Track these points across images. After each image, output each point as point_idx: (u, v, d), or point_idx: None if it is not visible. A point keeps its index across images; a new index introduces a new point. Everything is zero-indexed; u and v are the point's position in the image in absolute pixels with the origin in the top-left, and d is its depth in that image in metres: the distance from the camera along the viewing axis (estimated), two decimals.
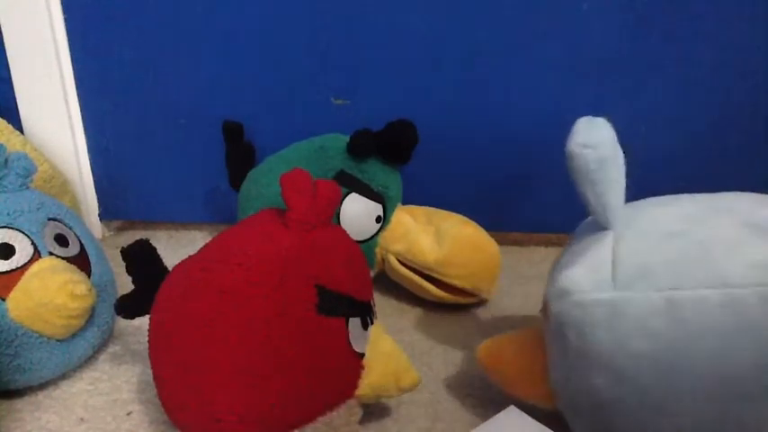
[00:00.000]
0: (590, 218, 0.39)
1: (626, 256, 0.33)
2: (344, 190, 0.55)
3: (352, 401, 0.38)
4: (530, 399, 0.41)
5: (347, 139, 0.57)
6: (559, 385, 0.37)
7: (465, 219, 0.58)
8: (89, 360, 0.49)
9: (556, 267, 0.37)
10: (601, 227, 0.36)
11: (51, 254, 0.45)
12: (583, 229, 0.39)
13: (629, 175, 0.36)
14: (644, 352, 0.32)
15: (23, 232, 0.44)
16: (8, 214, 0.44)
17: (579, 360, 0.34)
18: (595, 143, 0.33)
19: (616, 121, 0.70)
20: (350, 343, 0.37)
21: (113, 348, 0.51)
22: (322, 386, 0.36)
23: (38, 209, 0.46)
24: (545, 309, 0.37)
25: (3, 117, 0.64)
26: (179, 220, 0.77)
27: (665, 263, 0.32)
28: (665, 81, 0.63)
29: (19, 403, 0.45)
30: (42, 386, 0.46)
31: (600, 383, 0.33)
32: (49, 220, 0.47)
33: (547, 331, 0.37)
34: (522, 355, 0.40)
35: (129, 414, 0.44)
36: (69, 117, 0.70)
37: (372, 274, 0.59)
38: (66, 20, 0.67)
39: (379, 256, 0.58)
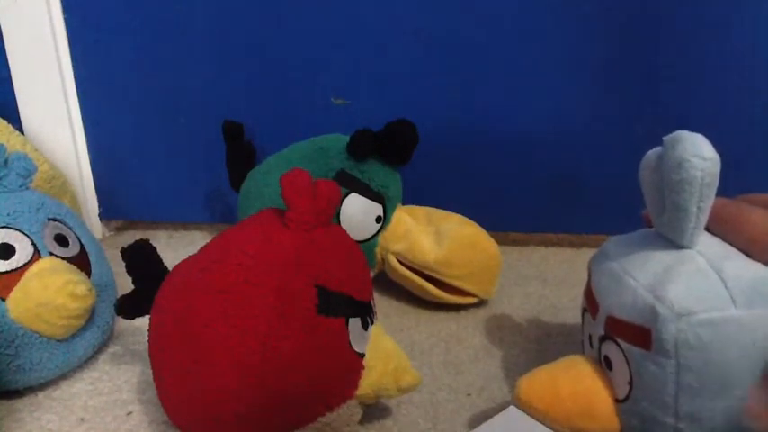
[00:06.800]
0: (635, 233, 0.38)
1: (732, 275, 0.31)
2: (344, 190, 0.55)
3: (352, 401, 0.38)
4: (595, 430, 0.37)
5: (347, 139, 0.57)
6: (649, 416, 0.34)
7: (465, 219, 0.58)
8: (89, 360, 0.49)
9: (646, 288, 0.34)
10: (669, 245, 0.34)
11: (51, 254, 0.45)
12: (627, 243, 0.37)
13: None
14: None
15: (23, 232, 0.44)
16: (8, 214, 0.44)
17: (698, 383, 0.31)
18: (712, 157, 0.31)
19: (616, 121, 0.70)
20: (350, 343, 0.37)
21: (113, 348, 0.51)
22: (322, 386, 0.36)
23: (38, 209, 0.46)
24: (623, 332, 0.34)
25: (3, 117, 0.64)
26: (179, 220, 0.77)
27: None
28: (666, 82, 0.63)
29: (19, 403, 0.45)
30: (42, 386, 0.46)
31: (719, 408, 0.31)
32: (49, 220, 0.47)
33: (633, 359, 0.34)
34: (580, 385, 0.37)
35: (129, 414, 0.44)
36: (69, 117, 0.70)
37: (372, 274, 0.59)
38: (66, 20, 0.67)
39: (379, 256, 0.58)
